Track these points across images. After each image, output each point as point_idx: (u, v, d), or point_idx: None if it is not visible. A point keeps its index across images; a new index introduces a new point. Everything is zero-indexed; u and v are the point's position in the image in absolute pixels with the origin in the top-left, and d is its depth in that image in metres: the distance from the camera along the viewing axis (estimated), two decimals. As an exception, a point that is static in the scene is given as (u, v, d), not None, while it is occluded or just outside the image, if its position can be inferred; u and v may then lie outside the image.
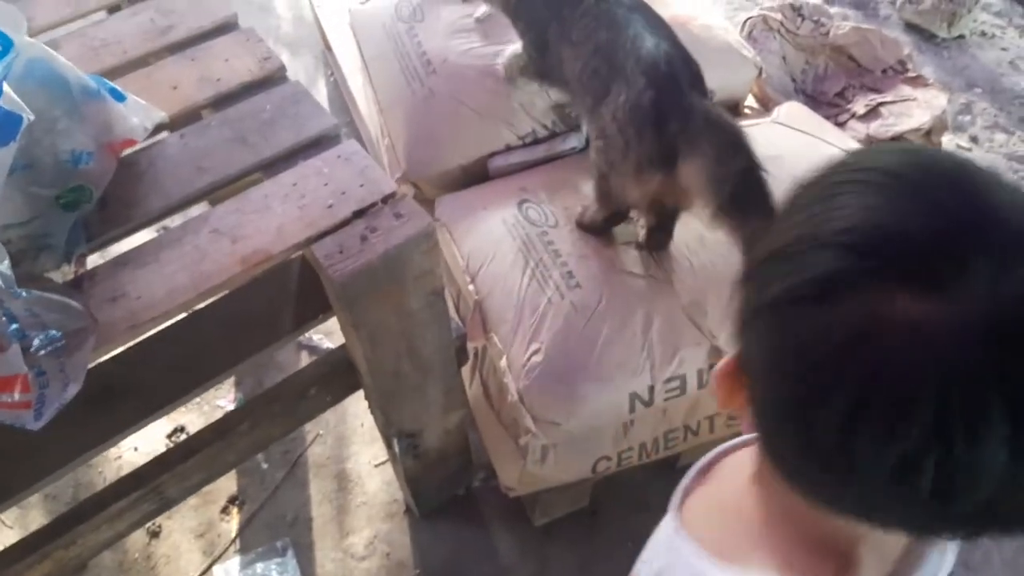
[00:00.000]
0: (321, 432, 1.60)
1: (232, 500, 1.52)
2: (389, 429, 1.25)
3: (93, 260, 0.96)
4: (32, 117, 0.73)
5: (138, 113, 1.00)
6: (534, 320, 1.25)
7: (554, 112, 1.52)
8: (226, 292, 0.99)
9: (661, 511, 0.57)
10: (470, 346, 1.29)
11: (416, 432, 1.27)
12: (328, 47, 2.15)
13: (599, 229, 1.35)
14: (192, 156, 1.03)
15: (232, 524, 1.50)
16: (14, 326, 0.71)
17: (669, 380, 1.24)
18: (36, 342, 0.72)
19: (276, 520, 1.50)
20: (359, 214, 0.98)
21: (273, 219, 0.97)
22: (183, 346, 1.01)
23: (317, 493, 1.54)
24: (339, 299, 0.98)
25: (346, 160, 1.04)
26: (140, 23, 1.21)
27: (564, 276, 1.28)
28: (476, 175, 1.53)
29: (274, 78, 1.14)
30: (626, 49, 1.20)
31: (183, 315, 1.00)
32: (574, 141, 1.52)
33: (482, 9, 1.55)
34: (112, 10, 1.33)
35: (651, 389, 1.24)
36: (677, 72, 1.16)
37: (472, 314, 1.32)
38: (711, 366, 1.24)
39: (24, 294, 0.70)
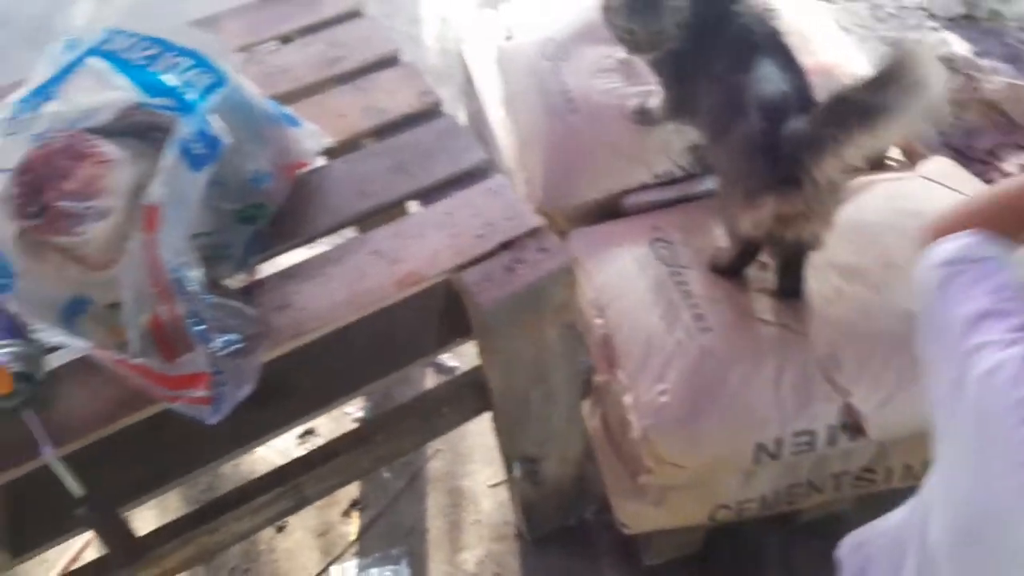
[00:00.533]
0: (441, 448, 1.65)
1: (353, 504, 1.59)
2: (512, 452, 1.28)
3: (253, 271, 1.04)
4: (230, 141, 0.81)
5: (309, 138, 1.09)
6: (662, 360, 1.25)
7: (690, 153, 1.53)
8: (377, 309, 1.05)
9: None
10: (595, 379, 1.32)
11: (537, 458, 1.30)
12: (470, 80, 2.24)
13: (730, 270, 1.35)
14: (356, 180, 1.11)
15: (352, 527, 1.57)
16: (202, 327, 0.78)
17: (798, 434, 1.22)
18: (218, 344, 0.79)
19: (393, 528, 1.56)
20: (506, 246, 1.03)
21: (428, 245, 1.03)
22: (335, 356, 1.07)
23: (433, 506, 1.59)
24: (481, 325, 1.03)
25: (495, 193, 1.09)
26: (312, 53, 1.31)
27: (695, 318, 1.28)
28: (609, 210, 1.55)
29: (432, 112, 1.21)
30: (752, 88, 1.21)
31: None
32: (709, 183, 1.52)
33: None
34: (285, 40, 1.44)
35: (778, 442, 1.22)
36: (793, 107, 1.17)
37: (599, 348, 1.34)
38: (843, 424, 1.21)
39: (212, 300, 0.78)
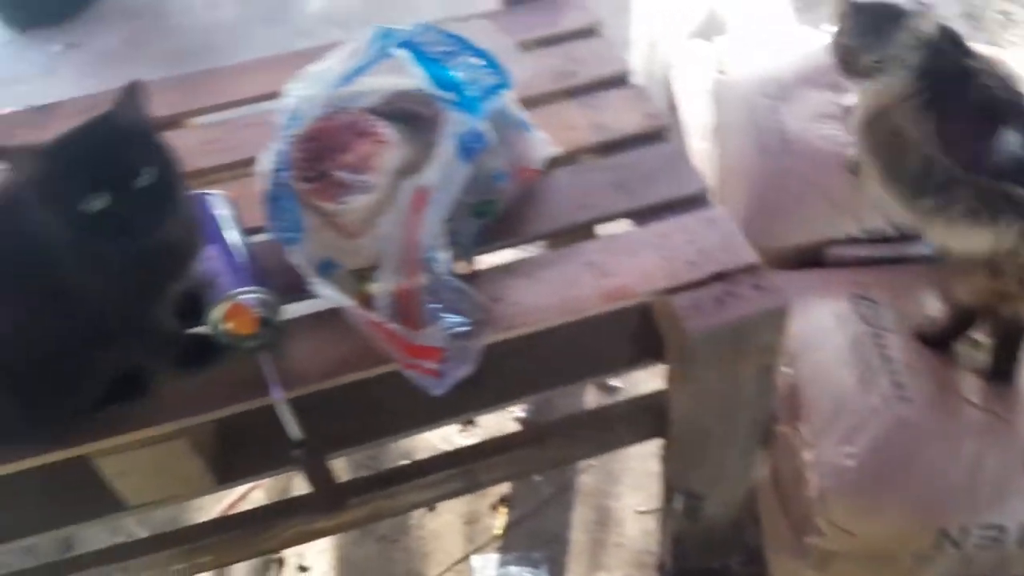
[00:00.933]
0: (594, 464, 1.67)
1: (503, 500, 1.63)
2: (677, 484, 1.28)
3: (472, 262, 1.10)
4: (493, 141, 0.87)
5: (541, 146, 1.13)
6: (853, 422, 1.21)
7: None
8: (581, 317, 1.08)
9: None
10: (777, 428, 1.29)
11: (701, 495, 1.29)
12: (673, 107, 2.24)
13: (938, 342, 1.28)
14: (576, 192, 1.14)
15: (497, 522, 1.61)
16: (438, 306, 0.84)
17: (987, 527, 1.15)
18: (449, 323, 0.84)
19: (537, 532, 1.59)
20: (719, 277, 1.03)
21: (639, 263, 1.05)
22: (531, 353, 1.11)
23: (578, 520, 1.60)
24: (680, 352, 1.03)
25: (713, 223, 1.09)
26: (550, 65, 1.36)
27: (894, 385, 1.23)
28: (809, 258, 1.51)
29: (657, 134, 1.23)
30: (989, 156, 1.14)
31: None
32: (924, 248, 1.45)
33: (851, 98, 1.53)
34: (526, 48, 1.50)
35: (964, 530, 1.15)
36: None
37: (784, 398, 1.30)
38: (1046, 524, 1.12)
39: (453, 283, 0.83)
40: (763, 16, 2.04)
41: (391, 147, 0.88)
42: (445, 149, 0.80)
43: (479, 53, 0.80)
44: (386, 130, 0.88)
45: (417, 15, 2.99)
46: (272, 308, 0.97)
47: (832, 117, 1.54)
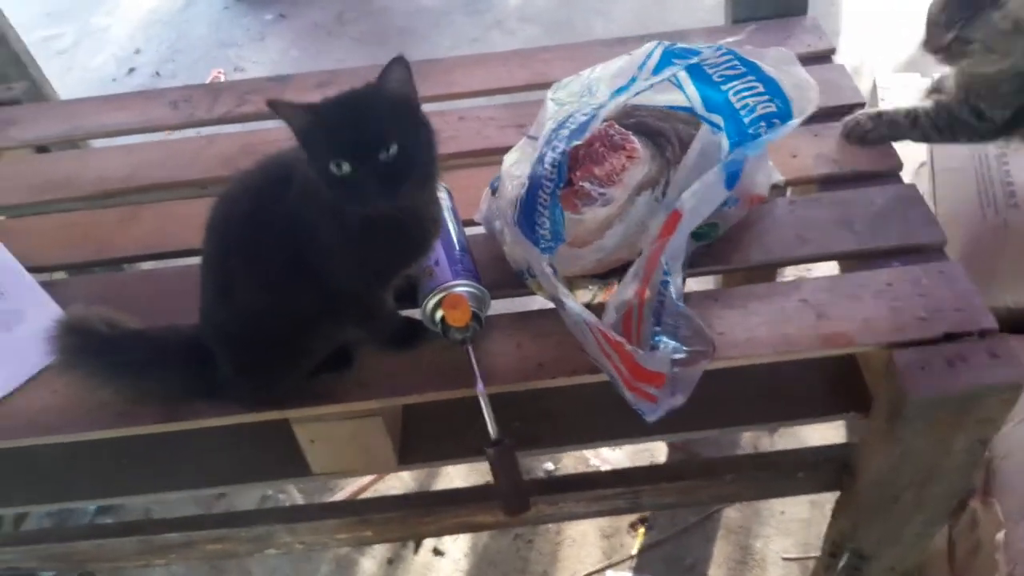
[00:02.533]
0: (743, 500, 1.61)
1: (642, 520, 1.60)
2: (846, 540, 1.21)
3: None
4: (745, 167, 0.83)
5: (768, 173, 1.08)
6: (1058, 509, 1.11)
7: None
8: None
9: None
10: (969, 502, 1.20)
11: (870, 556, 1.21)
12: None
13: None
14: (797, 223, 1.09)
15: (635, 541, 1.58)
16: (659, 329, 0.81)
17: None
18: (670, 349, 0.82)
19: (674, 558, 1.55)
20: (950, 337, 0.95)
21: (862, 309, 0.99)
22: (718, 387, 1.07)
23: (719, 554, 1.55)
24: (893, 411, 0.96)
25: (947, 278, 1.01)
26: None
27: (1112, 477, 1.11)
28: (1021, 322, 1.40)
29: (890, 173, 1.15)
30: None
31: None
32: None
33: (1097, 157, 1.40)
34: None
35: None
36: None
37: (979, 471, 1.21)
38: None
39: (680, 308, 0.80)
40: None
41: (641, 163, 0.86)
42: (712, 175, 0.76)
43: (766, 80, 0.76)
44: (638, 145, 0.85)
45: (609, 18, 2.97)
46: (483, 303, 0.97)
47: (1068, 175, 1.42)
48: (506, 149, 1.26)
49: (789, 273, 1.50)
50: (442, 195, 1.05)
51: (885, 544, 1.19)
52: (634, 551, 1.56)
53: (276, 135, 1.33)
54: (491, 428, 0.92)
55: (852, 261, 1.07)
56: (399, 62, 0.77)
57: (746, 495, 1.19)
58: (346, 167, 0.75)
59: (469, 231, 1.08)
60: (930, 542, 1.24)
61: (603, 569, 1.55)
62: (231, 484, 1.11)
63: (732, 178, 0.77)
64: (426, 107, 1.37)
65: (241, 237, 0.86)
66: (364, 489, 1.67)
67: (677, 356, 0.82)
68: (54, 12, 3.38)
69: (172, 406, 0.97)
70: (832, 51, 1.35)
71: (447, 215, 1.03)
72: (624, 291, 0.79)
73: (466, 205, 1.10)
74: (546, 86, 1.46)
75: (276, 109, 0.77)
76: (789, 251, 1.07)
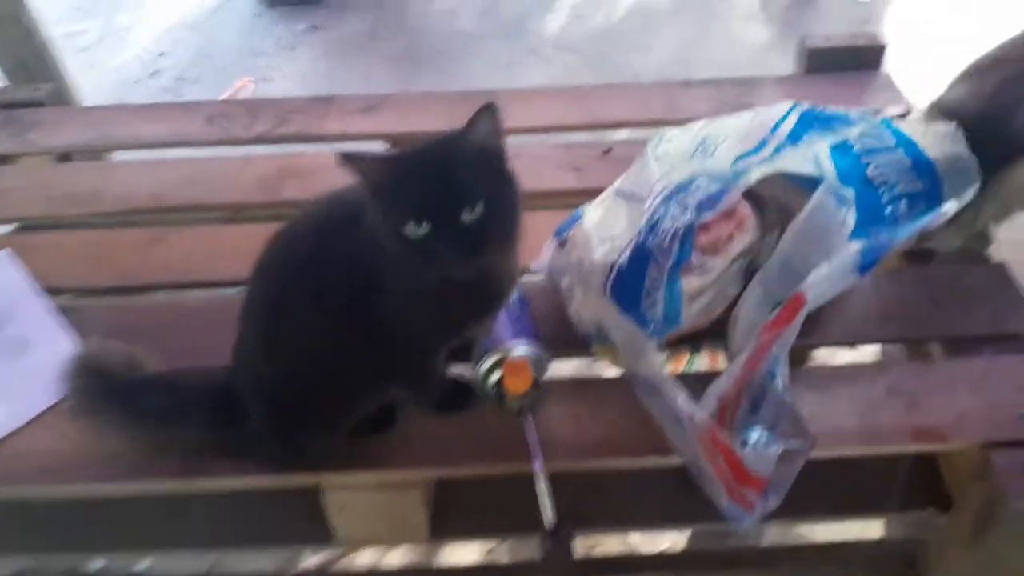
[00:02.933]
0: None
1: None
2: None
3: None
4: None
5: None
6: None
7: None
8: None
9: None
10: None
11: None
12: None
13: None
14: (881, 299, 1.01)
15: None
16: (753, 417, 0.73)
17: None
18: (763, 442, 0.73)
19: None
20: (1052, 438, 0.87)
21: (956, 402, 0.90)
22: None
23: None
24: (986, 516, 0.87)
25: (1047, 371, 0.93)
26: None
27: None
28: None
29: (979, 253, 1.07)
30: None
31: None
32: None
33: None
34: None
35: None
36: None
37: None
38: None
39: (784, 398, 0.71)
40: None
41: (748, 232, 0.78)
42: (844, 260, 0.68)
43: (918, 157, 0.67)
44: (747, 211, 0.77)
45: (648, 52, 2.87)
46: (543, 367, 0.88)
47: None
48: (562, 193, 1.18)
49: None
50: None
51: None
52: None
53: (318, 160, 1.27)
54: (548, 512, 0.82)
55: (943, 345, 0.98)
56: (490, 110, 0.68)
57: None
58: (425, 227, 0.67)
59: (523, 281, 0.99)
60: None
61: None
62: (241, 546, 1.01)
63: (866, 267, 0.67)
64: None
65: (298, 280, 0.76)
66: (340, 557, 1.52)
67: (777, 451, 0.73)
68: (83, 7, 3.32)
69: (193, 461, 0.87)
70: (909, 113, 1.27)
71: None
72: (726, 380, 0.70)
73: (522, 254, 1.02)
74: (602, 128, 1.39)
75: (350, 163, 0.68)
76: (873, 331, 0.99)
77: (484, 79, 2.62)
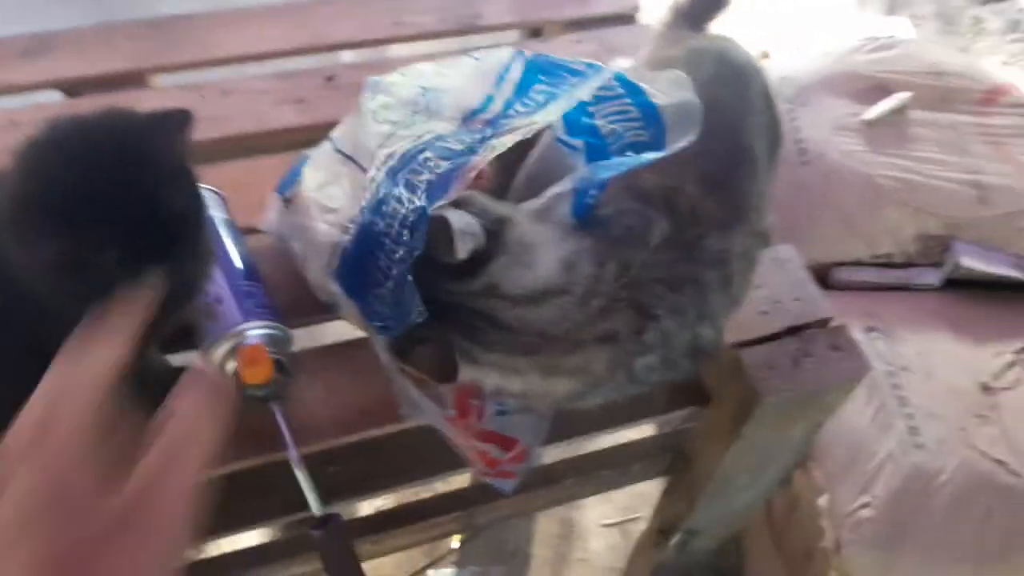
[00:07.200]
0: (559, 472, 1.56)
1: (462, 511, 1.50)
2: (678, 521, 1.19)
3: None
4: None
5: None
6: (870, 468, 1.16)
7: (919, 242, 1.42)
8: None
9: None
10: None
11: (699, 531, 1.21)
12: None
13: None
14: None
15: (454, 535, 1.48)
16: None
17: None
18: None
19: (497, 546, 1.48)
20: (793, 331, 0.91)
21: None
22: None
23: (541, 532, 1.50)
24: (743, 411, 0.92)
25: (781, 266, 0.97)
26: (581, 54, 1.18)
27: (909, 431, 1.18)
28: (820, 279, 1.45)
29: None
30: None
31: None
32: (931, 277, 1.41)
33: (875, 112, 1.45)
34: (534, 34, 1.30)
35: (971, 586, 1.13)
36: None
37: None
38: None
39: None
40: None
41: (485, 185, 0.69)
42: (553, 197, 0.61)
43: (645, 106, 0.60)
44: (492, 173, 0.67)
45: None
46: (286, 346, 0.77)
47: (852, 130, 1.45)
48: (286, 131, 1.03)
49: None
50: (211, 202, 0.82)
51: (713, 519, 1.19)
52: (455, 544, 1.47)
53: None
54: (313, 502, 0.74)
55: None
56: (182, 118, 0.54)
57: (583, 494, 1.12)
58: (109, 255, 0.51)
59: (252, 240, 0.85)
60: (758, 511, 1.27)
61: (424, 569, 1.43)
62: None
63: (581, 208, 0.62)
64: (178, 78, 1.11)
65: None
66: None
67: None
68: None
69: None
70: (634, 10, 1.24)
71: (221, 230, 0.80)
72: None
73: (245, 209, 0.87)
74: (329, 50, 1.22)
75: None
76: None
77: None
